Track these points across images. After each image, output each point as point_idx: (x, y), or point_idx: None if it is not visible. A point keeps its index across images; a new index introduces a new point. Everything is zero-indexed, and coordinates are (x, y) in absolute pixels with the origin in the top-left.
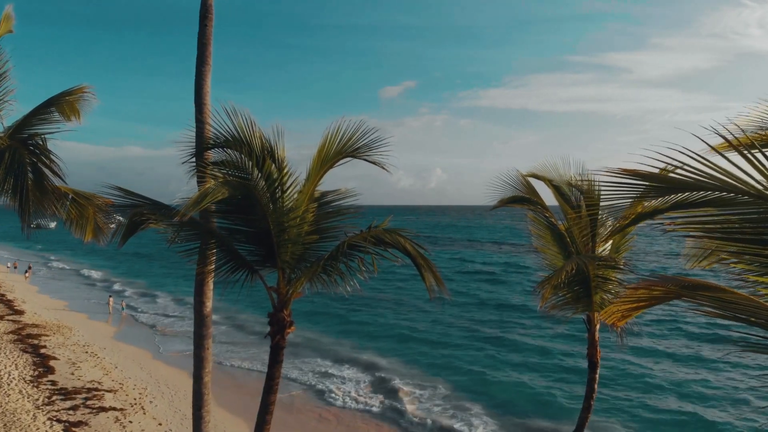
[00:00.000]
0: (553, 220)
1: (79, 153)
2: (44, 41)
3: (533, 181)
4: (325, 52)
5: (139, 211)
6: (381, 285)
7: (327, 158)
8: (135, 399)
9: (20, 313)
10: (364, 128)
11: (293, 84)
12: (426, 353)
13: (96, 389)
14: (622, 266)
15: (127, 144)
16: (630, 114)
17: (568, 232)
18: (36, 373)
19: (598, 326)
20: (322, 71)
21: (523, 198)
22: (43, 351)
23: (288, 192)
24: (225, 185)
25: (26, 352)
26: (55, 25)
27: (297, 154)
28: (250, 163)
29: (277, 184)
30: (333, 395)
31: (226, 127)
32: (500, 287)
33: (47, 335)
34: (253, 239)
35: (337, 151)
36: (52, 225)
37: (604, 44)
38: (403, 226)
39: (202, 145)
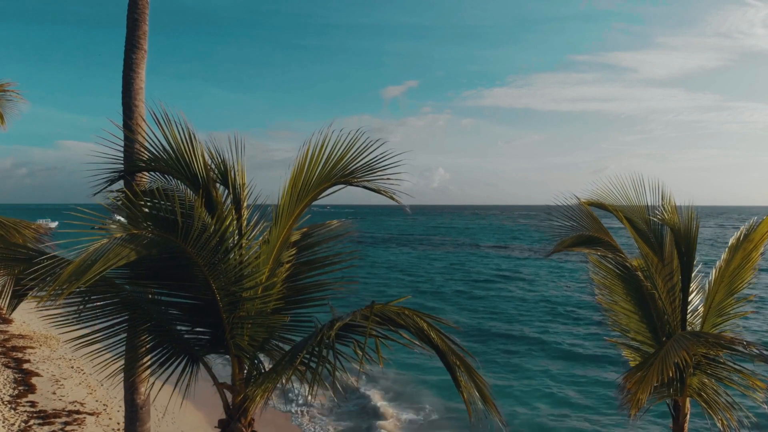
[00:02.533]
0: (638, 273)
1: (81, 153)
2: (46, 41)
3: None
4: (329, 53)
5: (17, 276)
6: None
7: (307, 189)
8: (119, 424)
9: (8, 322)
10: (364, 141)
11: (297, 84)
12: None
13: (77, 411)
14: (744, 348)
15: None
16: (634, 113)
17: (650, 280)
18: (16, 392)
19: (688, 415)
20: (325, 72)
21: (591, 238)
22: (26, 366)
23: (248, 238)
24: (129, 243)
25: (8, 367)
26: (57, 25)
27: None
28: (193, 194)
29: (228, 224)
30: (306, 417)
31: (157, 142)
32: (507, 305)
33: (33, 348)
34: (193, 315)
35: (323, 177)
36: (53, 225)
37: (608, 44)
38: (404, 226)
39: (129, 164)
